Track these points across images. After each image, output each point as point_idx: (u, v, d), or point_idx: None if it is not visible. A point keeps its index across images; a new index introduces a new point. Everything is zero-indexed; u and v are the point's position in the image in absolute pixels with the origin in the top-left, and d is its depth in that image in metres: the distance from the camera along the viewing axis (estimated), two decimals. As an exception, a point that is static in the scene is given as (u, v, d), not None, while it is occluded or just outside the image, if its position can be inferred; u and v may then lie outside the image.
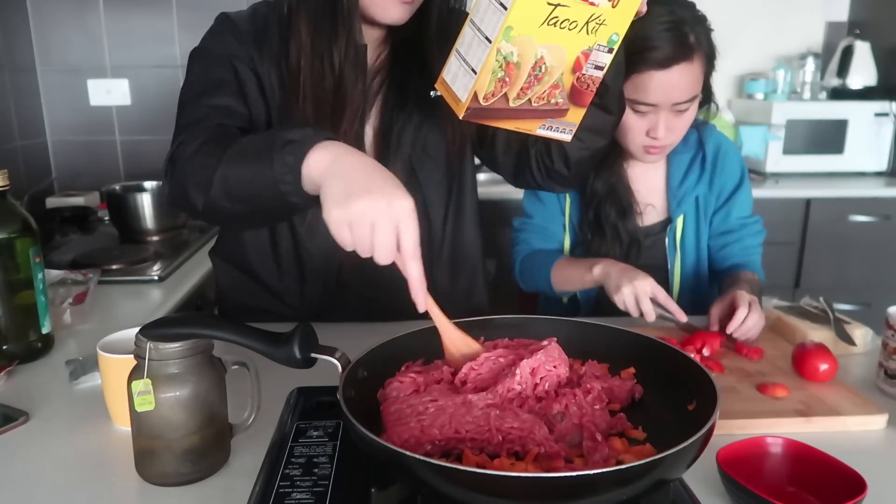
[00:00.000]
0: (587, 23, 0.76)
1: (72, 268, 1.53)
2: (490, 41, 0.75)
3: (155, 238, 1.95)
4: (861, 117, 2.76)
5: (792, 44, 3.13)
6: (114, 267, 1.63)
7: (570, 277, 1.35)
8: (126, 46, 2.46)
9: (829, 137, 2.79)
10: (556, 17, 0.75)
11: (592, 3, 0.75)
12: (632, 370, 0.82)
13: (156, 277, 1.59)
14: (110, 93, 2.50)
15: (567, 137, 0.88)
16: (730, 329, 1.08)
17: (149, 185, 2.13)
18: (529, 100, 0.81)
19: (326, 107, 1.01)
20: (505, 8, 0.74)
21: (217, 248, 1.27)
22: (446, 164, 1.17)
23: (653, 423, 0.74)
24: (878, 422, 0.88)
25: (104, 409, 0.87)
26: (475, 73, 0.77)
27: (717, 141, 1.42)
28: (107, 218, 2.11)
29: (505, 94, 0.79)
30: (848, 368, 1.06)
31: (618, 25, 0.78)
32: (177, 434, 0.73)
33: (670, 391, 0.76)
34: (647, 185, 1.41)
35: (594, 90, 0.84)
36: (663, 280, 1.19)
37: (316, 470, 0.72)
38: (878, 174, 2.86)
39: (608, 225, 1.37)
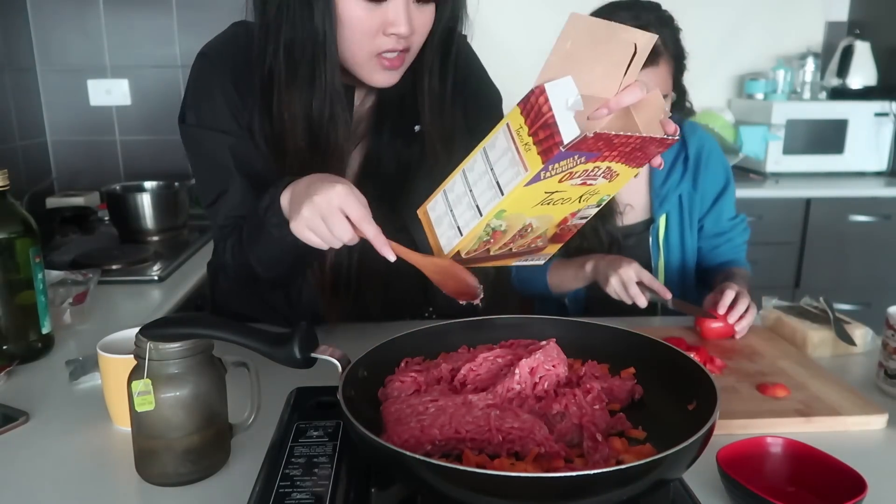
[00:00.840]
0: (581, 196, 0.75)
1: (72, 268, 1.53)
2: (481, 214, 0.73)
3: (155, 238, 1.95)
4: (861, 117, 2.76)
5: (792, 44, 3.12)
6: (114, 267, 1.63)
7: (565, 277, 1.37)
8: (126, 46, 2.46)
9: (829, 137, 2.79)
10: (551, 198, 0.73)
11: (589, 184, 0.72)
12: (632, 370, 0.82)
13: (156, 277, 1.59)
14: (110, 93, 2.50)
15: (541, 262, 0.88)
16: (731, 319, 1.11)
17: (149, 185, 2.14)
18: (510, 248, 0.81)
19: (310, 153, 1.00)
20: (502, 193, 0.70)
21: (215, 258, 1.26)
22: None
23: (653, 423, 0.74)
24: (878, 422, 0.88)
25: (104, 409, 0.87)
26: (461, 233, 0.75)
27: (701, 139, 1.42)
28: (107, 218, 2.11)
29: (488, 248, 0.79)
30: (848, 368, 1.06)
31: (610, 190, 0.76)
32: (177, 434, 0.73)
33: (670, 391, 0.76)
34: (628, 186, 1.42)
35: (575, 233, 0.84)
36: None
37: (316, 470, 0.72)
38: (878, 174, 2.86)
39: (587, 225, 1.38)
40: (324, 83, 0.95)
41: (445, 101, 1.05)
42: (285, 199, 0.88)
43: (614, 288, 1.20)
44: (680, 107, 1.36)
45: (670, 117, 1.25)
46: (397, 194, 1.10)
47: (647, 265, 1.40)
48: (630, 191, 1.42)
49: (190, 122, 1.05)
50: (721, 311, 1.11)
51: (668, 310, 1.21)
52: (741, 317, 1.12)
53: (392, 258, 0.80)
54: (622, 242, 1.40)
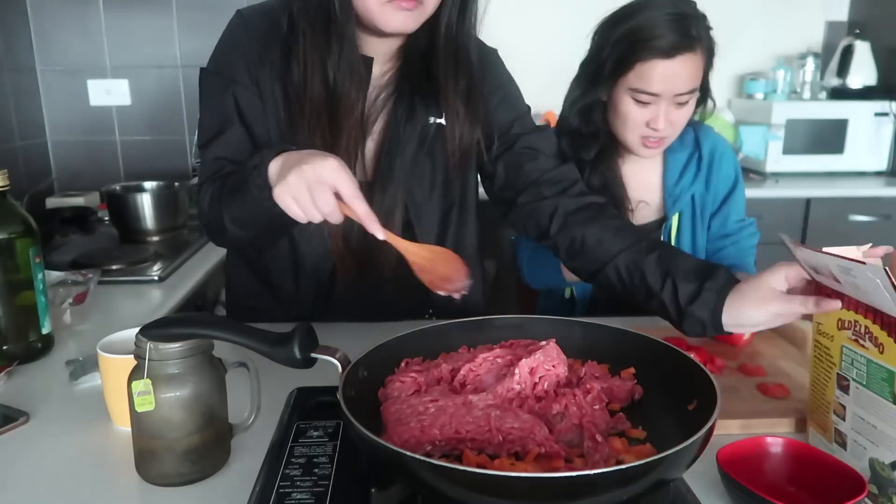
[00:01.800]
0: None
1: (72, 268, 1.53)
2: None
3: (155, 238, 1.95)
4: (861, 117, 2.76)
5: (792, 44, 3.12)
6: (114, 267, 1.63)
7: None
8: (126, 46, 2.46)
9: (829, 137, 2.79)
10: None
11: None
12: (631, 370, 0.82)
13: (156, 277, 1.59)
14: (110, 93, 2.50)
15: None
16: None
17: (149, 185, 2.13)
18: None
19: (324, 121, 1.02)
20: None
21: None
22: (444, 179, 1.17)
23: (653, 422, 0.74)
24: (878, 422, 0.88)
25: (104, 409, 0.87)
26: None
27: (713, 141, 1.43)
28: (107, 218, 2.11)
29: None
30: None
31: None
32: (177, 434, 0.73)
33: (670, 391, 0.76)
34: (641, 182, 1.42)
35: None
36: None
37: (316, 470, 0.72)
38: (878, 174, 2.86)
39: None
40: (340, 41, 0.99)
41: (462, 64, 1.08)
42: (275, 165, 0.87)
43: None
44: (703, 104, 1.36)
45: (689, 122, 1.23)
46: (411, 180, 1.12)
47: None
48: (644, 188, 1.42)
49: (207, 69, 1.10)
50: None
51: None
52: None
53: (381, 236, 0.82)
54: None
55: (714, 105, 1.38)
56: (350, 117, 1.03)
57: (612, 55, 1.27)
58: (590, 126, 1.36)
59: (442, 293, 0.87)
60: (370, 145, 1.11)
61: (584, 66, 1.36)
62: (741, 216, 1.44)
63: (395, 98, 1.10)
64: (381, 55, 1.09)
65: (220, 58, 1.09)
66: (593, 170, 1.38)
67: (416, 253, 0.87)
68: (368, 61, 1.07)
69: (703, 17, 1.26)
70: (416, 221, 1.14)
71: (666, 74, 1.23)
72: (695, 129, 1.41)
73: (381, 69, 1.11)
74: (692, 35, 1.22)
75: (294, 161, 0.83)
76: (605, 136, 1.37)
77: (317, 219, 0.84)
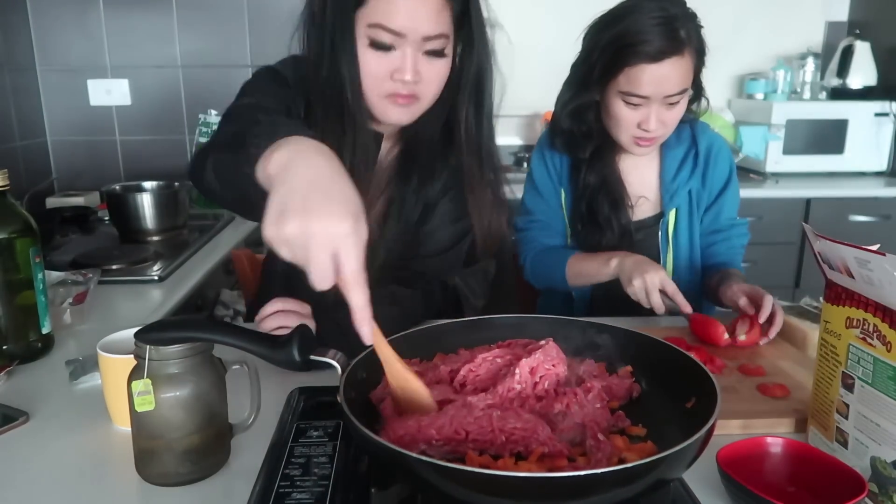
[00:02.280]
0: None
1: (72, 268, 1.53)
2: None
3: (155, 238, 1.94)
4: (861, 117, 2.76)
5: (792, 44, 3.12)
6: (114, 267, 1.63)
7: (585, 272, 1.35)
8: (126, 46, 2.46)
9: (829, 137, 2.79)
10: None
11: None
12: (629, 368, 0.82)
13: (156, 277, 1.59)
14: (110, 93, 2.50)
15: None
16: (771, 334, 1.12)
17: (149, 185, 2.13)
18: None
19: None
20: None
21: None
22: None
23: (653, 422, 0.74)
24: (878, 422, 0.88)
25: (104, 409, 0.87)
26: None
27: (710, 138, 1.44)
28: (107, 218, 2.11)
29: None
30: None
31: None
32: (177, 434, 0.73)
33: (671, 391, 0.76)
34: (639, 178, 1.43)
35: None
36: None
37: (316, 470, 0.72)
38: (878, 174, 2.86)
39: (601, 217, 1.38)
40: (353, 128, 1.03)
41: (486, 159, 1.13)
42: (279, 156, 0.70)
43: (636, 290, 1.19)
44: (697, 102, 1.36)
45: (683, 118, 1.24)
46: (415, 239, 1.15)
47: (656, 259, 1.40)
48: (641, 184, 1.42)
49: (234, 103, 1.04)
50: (762, 318, 1.11)
51: (677, 312, 1.20)
52: (772, 323, 1.12)
53: (368, 340, 0.66)
54: (634, 235, 1.40)
55: (708, 103, 1.39)
56: (362, 189, 1.04)
57: (601, 60, 1.27)
58: (582, 126, 1.37)
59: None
60: (377, 209, 1.14)
61: (575, 68, 1.37)
62: (734, 214, 1.45)
63: (399, 175, 1.14)
64: (388, 134, 1.15)
65: (248, 91, 1.06)
66: (590, 168, 1.38)
67: (396, 375, 0.72)
68: (378, 137, 1.11)
69: (693, 17, 1.26)
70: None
71: (654, 78, 1.23)
72: (691, 126, 1.42)
73: (387, 145, 1.16)
74: (680, 38, 1.22)
75: (299, 201, 0.64)
76: (600, 135, 1.37)
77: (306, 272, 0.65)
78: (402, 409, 0.73)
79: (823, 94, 3.02)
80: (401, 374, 0.72)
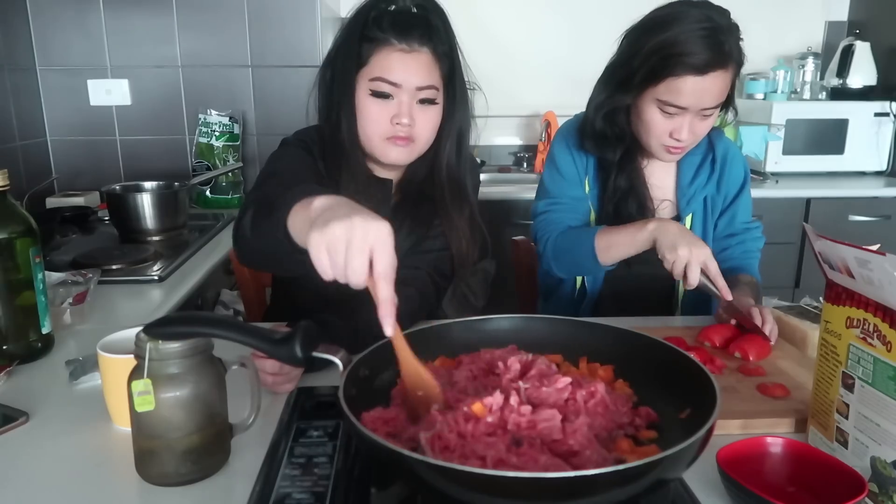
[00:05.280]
0: None
1: (72, 268, 1.53)
2: None
3: (155, 238, 1.94)
4: (861, 117, 2.76)
5: (792, 44, 3.12)
6: (114, 267, 1.63)
7: (618, 241, 1.28)
8: (126, 46, 2.46)
9: (829, 137, 2.79)
10: None
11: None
12: (611, 367, 0.83)
13: (156, 277, 1.59)
14: (110, 93, 2.50)
15: None
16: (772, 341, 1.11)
17: (149, 185, 2.13)
18: None
19: None
20: None
21: None
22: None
23: (653, 422, 0.74)
24: (878, 422, 0.88)
25: (104, 409, 0.87)
26: None
27: (726, 144, 1.45)
28: (107, 218, 2.11)
29: None
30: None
31: None
32: (177, 434, 0.73)
33: (671, 391, 0.76)
34: (658, 182, 1.43)
35: None
36: (670, 278, 1.19)
37: (316, 470, 0.72)
38: (878, 174, 2.86)
39: (627, 219, 1.37)
40: (350, 169, 1.19)
41: (464, 195, 1.27)
42: (322, 200, 0.78)
43: (678, 259, 1.13)
44: (724, 111, 1.36)
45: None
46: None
47: None
48: (659, 188, 1.42)
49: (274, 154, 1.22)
50: (766, 332, 1.10)
51: (683, 311, 1.20)
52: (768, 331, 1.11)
53: (390, 332, 0.70)
54: None
55: (736, 114, 1.38)
56: None
57: (644, 66, 1.25)
58: (614, 129, 1.35)
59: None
60: None
61: (612, 70, 1.34)
62: (748, 218, 1.45)
63: (397, 218, 1.24)
64: (395, 179, 1.27)
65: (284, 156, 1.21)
66: (620, 171, 1.37)
67: (411, 372, 0.75)
68: (388, 183, 1.25)
69: (736, 28, 1.25)
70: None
71: (696, 90, 1.22)
72: (709, 133, 1.41)
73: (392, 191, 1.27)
74: (725, 51, 1.21)
75: (343, 213, 0.72)
76: (630, 138, 1.37)
77: (341, 280, 0.71)
78: (414, 417, 0.73)
79: (823, 94, 3.02)
80: (416, 370, 0.74)
